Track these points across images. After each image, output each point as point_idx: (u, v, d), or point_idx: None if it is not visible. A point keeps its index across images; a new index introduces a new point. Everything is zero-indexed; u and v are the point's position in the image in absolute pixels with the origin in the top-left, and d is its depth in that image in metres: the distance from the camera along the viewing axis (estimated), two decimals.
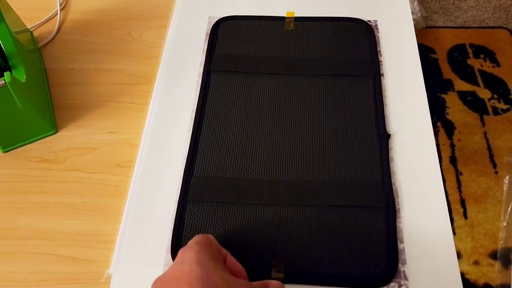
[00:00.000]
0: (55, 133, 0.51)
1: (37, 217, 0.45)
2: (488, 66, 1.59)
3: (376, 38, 0.56)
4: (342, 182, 0.44)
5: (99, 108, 0.53)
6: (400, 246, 0.41)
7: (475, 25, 1.74)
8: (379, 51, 0.54)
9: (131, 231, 0.43)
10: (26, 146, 0.50)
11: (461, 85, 1.53)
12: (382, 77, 0.52)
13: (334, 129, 0.48)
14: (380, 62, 0.53)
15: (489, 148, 1.40)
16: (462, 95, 1.50)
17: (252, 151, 0.47)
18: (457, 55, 1.62)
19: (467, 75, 1.56)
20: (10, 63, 0.49)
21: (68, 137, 0.51)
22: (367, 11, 0.58)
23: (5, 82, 0.44)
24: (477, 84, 1.53)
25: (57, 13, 0.62)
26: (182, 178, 0.45)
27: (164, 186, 0.45)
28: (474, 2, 1.72)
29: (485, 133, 1.43)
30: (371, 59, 0.53)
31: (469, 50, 1.65)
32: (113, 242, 0.43)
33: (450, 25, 1.73)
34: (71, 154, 0.49)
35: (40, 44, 0.59)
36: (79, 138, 0.51)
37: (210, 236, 0.37)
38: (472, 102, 1.48)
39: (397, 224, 0.42)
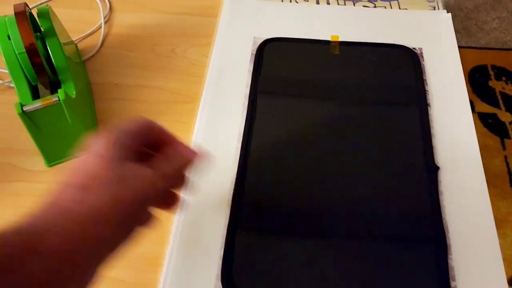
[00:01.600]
0: None
1: None
2: (510, 89, 1.58)
3: (422, 66, 0.55)
4: (391, 215, 0.44)
5: None
6: (452, 284, 0.40)
7: (498, 47, 1.74)
8: (425, 79, 0.54)
9: (179, 254, 0.43)
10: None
11: (482, 107, 1.52)
12: (428, 107, 0.52)
13: (382, 159, 0.48)
14: (427, 91, 0.53)
15: (509, 172, 1.38)
16: (483, 117, 1.49)
17: (300, 178, 0.46)
18: (479, 76, 1.62)
19: (488, 97, 1.55)
20: (60, 77, 0.49)
21: None
22: (411, 38, 0.58)
23: (59, 99, 0.44)
24: (498, 107, 1.52)
25: (100, 26, 0.63)
26: (231, 203, 0.45)
27: (213, 209, 0.45)
28: (497, 23, 1.72)
29: (505, 157, 1.42)
30: (417, 88, 0.53)
31: (491, 72, 1.64)
32: (160, 266, 0.42)
33: (472, 46, 1.73)
34: None
35: (85, 58, 0.59)
36: None
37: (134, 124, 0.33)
38: (493, 125, 1.47)
39: (448, 260, 0.42)
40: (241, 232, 0.43)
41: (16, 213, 0.46)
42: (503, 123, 1.48)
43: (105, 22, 0.63)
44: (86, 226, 0.27)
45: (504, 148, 1.43)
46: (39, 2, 0.65)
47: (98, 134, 0.31)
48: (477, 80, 1.61)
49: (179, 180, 0.35)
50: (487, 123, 1.48)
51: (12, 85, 0.57)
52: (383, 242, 0.43)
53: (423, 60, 0.56)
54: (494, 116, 1.50)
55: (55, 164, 0.50)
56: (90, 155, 0.30)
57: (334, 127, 0.50)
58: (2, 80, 0.58)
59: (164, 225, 0.45)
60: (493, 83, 1.60)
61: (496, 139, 1.45)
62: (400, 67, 0.55)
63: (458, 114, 0.52)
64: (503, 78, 1.61)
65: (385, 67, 0.55)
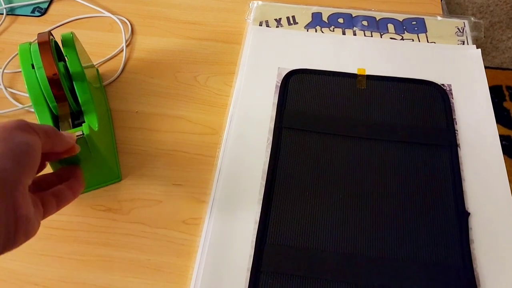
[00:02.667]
0: (120, 180, 0.50)
1: (101, 272, 0.44)
2: None
3: (451, 104, 0.54)
4: (421, 265, 0.42)
5: (164, 157, 0.52)
6: None
7: None
8: (455, 119, 0.53)
9: None
10: (90, 192, 0.49)
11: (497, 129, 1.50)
12: (458, 148, 0.50)
13: (409, 202, 0.46)
14: (456, 131, 0.51)
15: None
16: None
17: (325, 219, 0.45)
18: (493, 96, 1.60)
19: (503, 118, 1.53)
20: (83, 108, 0.48)
21: (132, 186, 0.50)
22: (440, 74, 0.57)
23: (83, 134, 0.43)
24: None
25: (121, 50, 0.62)
26: (254, 244, 0.44)
27: (235, 251, 0.44)
28: None
29: None
30: (448, 128, 0.51)
31: (506, 93, 1.62)
32: None
33: (486, 65, 1.71)
34: (135, 205, 0.48)
35: (105, 82, 0.58)
36: (144, 189, 0.49)
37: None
38: (508, 147, 1.45)
39: None
40: (265, 276, 0.42)
41: (32, 247, 0.45)
42: None
43: (127, 46, 0.62)
44: None
45: None
46: (59, 23, 0.64)
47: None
48: (491, 101, 1.58)
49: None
50: (501, 145, 1.46)
51: (31, 109, 0.56)
52: None
53: (453, 98, 0.54)
54: (508, 138, 1.48)
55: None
56: None
57: (360, 166, 0.49)
58: (21, 104, 0.57)
59: (183, 264, 0.44)
60: (507, 104, 1.58)
61: (510, 161, 1.43)
62: (429, 105, 0.53)
63: (489, 156, 0.50)
64: None
65: (413, 105, 0.53)
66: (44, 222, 0.47)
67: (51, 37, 0.48)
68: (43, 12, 0.66)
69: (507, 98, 1.60)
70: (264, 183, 0.48)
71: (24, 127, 0.32)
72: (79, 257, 0.45)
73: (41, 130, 0.34)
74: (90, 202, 0.48)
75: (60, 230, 0.47)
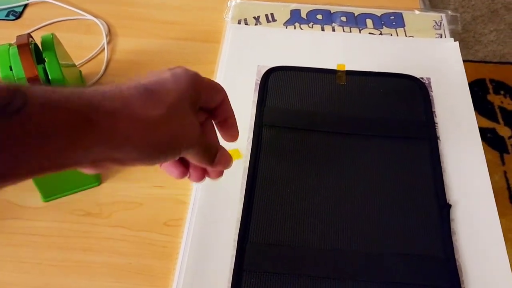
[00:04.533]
0: (100, 184, 0.49)
1: (82, 278, 0.43)
2: (508, 103, 1.57)
3: (431, 97, 0.54)
4: (404, 257, 0.42)
5: None
6: None
7: (495, 60, 1.74)
8: (434, 111, 0.53)
9: None
10: (69, 197, 0.48)
11: (481, 121, 1.51)
12: (438, 140, 0.50)
13: (390, 196, 0.46)
14: (436, 124, 0.52)
15: (509, 188, 1.38)
16: (482, 132, 1.47)
17: (308, 216, 0.45)
18: (477, 90, 1.61)
19: (487, 111, 1.55)
20: None
21: (112, 189, 0.49)
22: (419, 67, 0.57)
23: None
24: (497, 121, 1.52)
25: (100, 52, 0.61)
26: (236, 243, 0.43)
27: (217, 251, 0.43)
28: (494, 36, 1.71)
29: (505, 172, 1.41)
30: (427, 121, 0.52)
31: (489, 86, 1.64)
32: None
33: (469, 59, 1.72)
34: (116, 209, 0.48)
35: (88, 84, 0.57)
36: (124, 191, 0.49)
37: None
38: (492, 140, 1.46)
39: None
40: (248, 275, 0.41)
41: (11, 254, 0.44)
42: (502, 138, 1.48)
43: (108, 43, 0.61)
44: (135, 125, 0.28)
45: (503, 163, 1.43)
46: (35, 27, 0.63)
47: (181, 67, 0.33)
48: (475, 94, 1.60)
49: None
50: (485, 138, 1.48)
51: None
52: (395, 286, 0.41)
53: (432, 91, 0.55)
54: (493, 131, 1.49)
55: (52, 199, 0.48)
56: (173, 76, 0.31)
57: (341, 162, 0.49)
58: None
59: (164, 266, 0.44)
60: (491, 97, 1.60)
61: (495, 154, 1.44)
62: (408, 98, 0.53)
63: (469, 147, 0.50)
64: (502, 92, 1.61)
65: (393, 99, 0.53)
66: (23, 229, 0.46)
67: (30, 39, 0.47)
68: (18, 15, 0.65)
69: (491, 91, 1.62)
70: (245, 181, 0.47)
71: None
72: (59, 263, 0.44)
73: None
74: (69, 207, 0.48)
75: (39, 237, 0.46)
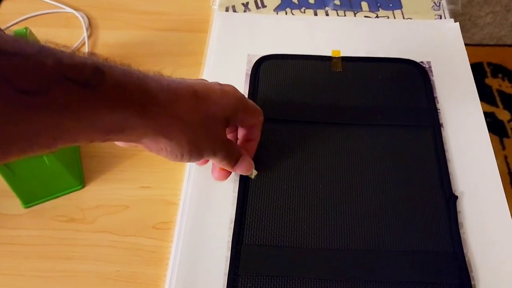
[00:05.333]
0: (83, 187, 0.46)
1: None
2: (506, 86, 1.55)
3: (432, 82, 0.51)
4: (409, 254, 0.40)
5: (130, 159, 0.48)
6: None
7: (492, 43, 1.71)
8: (436, 97, 0.50)
9: None
10: (51, 202, 0.45)
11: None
12: (441, 128, 0.47)
13: (392, 189, 0.43)
14: (438, 110, 0.49)
15: (509, 173, 1.35)
16: None
17: (305, 214, 0.42)
18: (475, 74, 1.58)
19: (486, 95, 1.52)
20: None
21: (96, 192, 0.46)
22: (418, 51, 0.54)
23: None
24: (496, 105, 1.49)
25: (81, 45, 0.57)
26: (230, 245, 0.40)
27: (211, 255, 0.40)
28: (490, 18, 1.68)
29: (505, 156, 1.39)
30: (429, 108, 0.49)
31: (487, 69, 1.61)
32: None
33: (466, 43, 1.69)
34: (100, 213, 0.45)
35: None
36: (109, 194, 0.46)
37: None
38: (491, 124, 1.44)
39: None
40: (244, 279, 0.39)
41: None
42: (502, 122, 1.45)
43: (89, 37, 0.58)
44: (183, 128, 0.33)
45: (503, 147, 1.41)
46: (12, 22, 0.60)
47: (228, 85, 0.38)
48: (474, 78, 1.57)
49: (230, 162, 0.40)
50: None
51: None
52: (402, 285, 0.38)
53: (432, 76, 0.52)
54: (492, 115, 1.47)
55: (32, 205, 0.45)
56: (222, 91, 0.37)
57: (339, 154, 0.46)
58: None
59: (154, 273, 0.41)
60: (489, 80, 1.57)
61: (495, 138, 1.42)
62: (408, 84, 0.50)
63: (474, 134, 0.48)
64: (500, 75, 1.58)
65: (392, 86, 0.50)
66: (2, 238, 0.43)
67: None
68: None
69: (489, 74, 1.59)
70: (238, 179, 0.44)
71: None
72: (43, 274, 0.41)
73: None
74: (50, 213, 0.45)
75: (20, 246, 0.43)
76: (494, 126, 1.44)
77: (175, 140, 0.33)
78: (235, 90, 0.38)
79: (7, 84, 0.21)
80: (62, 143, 0.26)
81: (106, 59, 0.29)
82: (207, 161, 0.44)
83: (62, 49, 0.26)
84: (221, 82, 0.38)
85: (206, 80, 0.38)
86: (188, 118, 0.33)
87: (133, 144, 0.34)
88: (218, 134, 0.37)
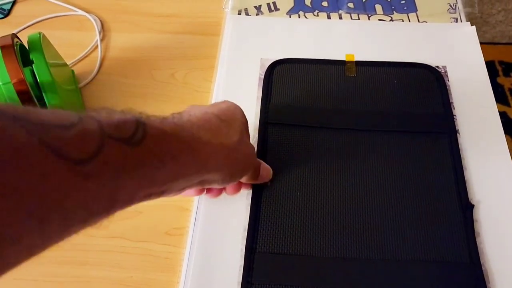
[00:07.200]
0: None
1: None
2: None
3: (447, 87, 0.50)
4: (425, 264, 0.39)
5: None
6: None
7: (504, 41, 1.68)
8: (452, 103, 0.49)
9: None
10: None
11: None
12: (458, 134, 0.47)
13: (408, 197, 0.43)
14: (455, 117, 0.48)
15: None
16: None
17: (319, 222, 0.42)
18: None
19: (497, 94, 1.48)
20: None
21: None
22: (434, 55, 0.53)
23: None
24: (508, 104, 1.47)
25: (93, 49, 0.57)
26: (243, 253, 0.40)
27: (224, 263, 0.40)
28: (502, 16, 1.66)
29: None
30: (445, 114, 0.48)
31: (499, 68, 1.59)
32: None
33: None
34: (114, 218, 0.44)
35: (81, 84, 0.54)
36: None
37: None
38: (504, 124, 1.42)
39: None
40: (256, 287, 0.38)
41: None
42: None
43: (102, 40, 0.58)
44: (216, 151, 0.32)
45: None
46: (25, 25, 0.60)
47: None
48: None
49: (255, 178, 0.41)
50: None
51: None
52: None
53: (448, 81, 0.51)
54: (504, 114, 1.45)
55: None
56: (235, 107, 0.37)
57: (354, 161, 0.45)
58: None
59: (168, 279, 0.41)
60: (501, 79, 1.55)
61: (507, 138, 1.40)
62: (424, 89, 0.50)
63: (491, 141, 0.47)
64: (511, 74, 1.56)
65: (407, 91, 0.50)
66: None
67: (15, 40, 0.44)
68: (7, 13, 0.62)
69: (500, 73, 1.57)
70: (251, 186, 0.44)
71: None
72: (56, 279, 0.41)
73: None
74: None
75: None
76: (506, 125, 1.42)
77: (225, 167, 0.33)
78: (233, 103, 0.38)
79: (60, 158, 0.20)
80: (119, 206, 0.26)
81: (140, 112, 0.28)
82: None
83: (100, 110, 0.25)
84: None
85: (213, 103, 0.38)
86: (229, 143, 0.33)
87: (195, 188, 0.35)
88: (252, 147, 0.38)
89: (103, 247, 0.43)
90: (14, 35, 0.45)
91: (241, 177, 0.37)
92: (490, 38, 1.69)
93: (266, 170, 0.42)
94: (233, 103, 0.38)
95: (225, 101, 0.38)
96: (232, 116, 0.35)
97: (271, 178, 0.43)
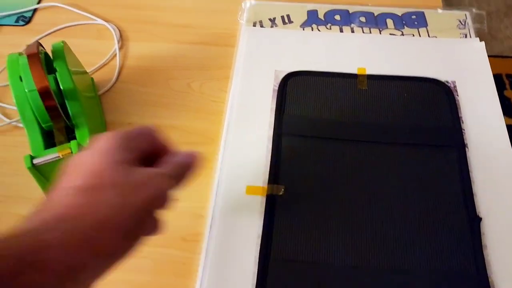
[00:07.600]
0: None
1: None
2: None
3: (456, 102, 0.52)
4: (432, 274, 0.40)
5: None
6: None
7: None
8: (461, 117, 0.50)
9: None
10: None
11: None
12: (466, 148, 0.48)
13: (417, 208, 0.44)
14: (463, 131, 0.49)
15: None
16: None
17: (331, 231, 0.43)
18: None
19: (505, 107, 1.49)
20: (73, 122, 0.46)
21: None
22: (443, 70, 0.54)
23: (72, 152, 0.41)
24: None
25: (112, 58, 0.59)
26: (257, 260, 0.41)
27: (238, 269, 0.41)
28: (510, 31, 1.67)
29: None
30: (454, 128, 0.49)
31: (506, 81, 1.60)
32: None
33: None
34: None
35: (100, 92, 0.56)
36: None
37: (136, 129, 0.32)
38: (511, 138, 1.42)
39: None
40: None
41: None
42: None
43: (120, 49, 0.60)
44: (90, 235, 0.25)
45: None
46: (45, 33, 0.62)
47: (101, 135, 0.30)
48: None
49: (179, 183, 0.34)
50: None
51: (20, 124, 0.54)
52: None
53: (458, 95, 0.52)
54: (510, 127, 1.45)
55: None
56: (93, 152, 0.28)
57: (365, 172, 0.47)
58: (9, 118, 0.54)
59: (184, 284, 0.42)
60: (508, 92, 1.56)
61: None
62: (433, 104, 0.51)
63: (498, 155, 0.48)
64: None
65: (417, 104, 0.51)
66: None
67: (40, 48, 0.46)
68: (28, 21, 0.64)
69: (507, 86, 1.58)
70: (265, 194, 0.45)
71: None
72: None
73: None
74: None
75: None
76: None
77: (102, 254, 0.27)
78: (105, 138, 0.30)
79: None
80: None
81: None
82: None
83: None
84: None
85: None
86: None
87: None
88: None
89: None
90: (39, 44, 0.46)
91: (136, 239, 0.29)
92: (498, 52, 1.70)
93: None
94: (95, 145, 0.29)
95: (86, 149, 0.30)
96: (86, 170, 0.28)
97: (284, 187, 0.44)
